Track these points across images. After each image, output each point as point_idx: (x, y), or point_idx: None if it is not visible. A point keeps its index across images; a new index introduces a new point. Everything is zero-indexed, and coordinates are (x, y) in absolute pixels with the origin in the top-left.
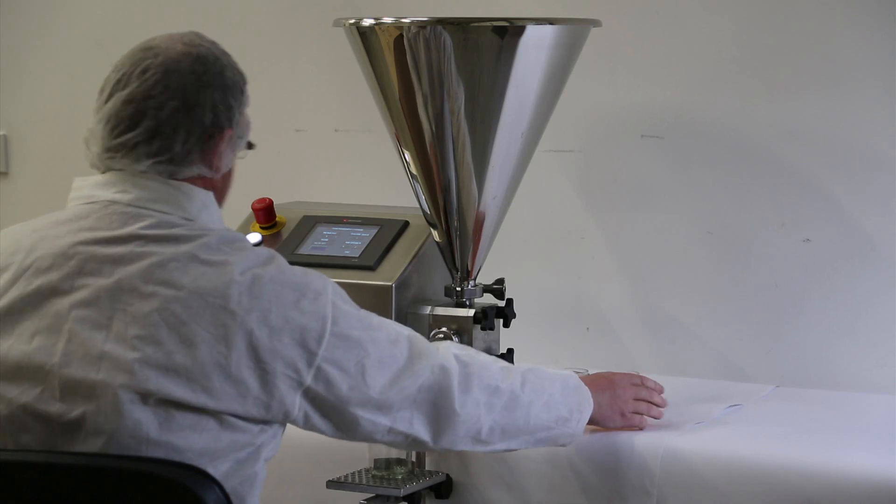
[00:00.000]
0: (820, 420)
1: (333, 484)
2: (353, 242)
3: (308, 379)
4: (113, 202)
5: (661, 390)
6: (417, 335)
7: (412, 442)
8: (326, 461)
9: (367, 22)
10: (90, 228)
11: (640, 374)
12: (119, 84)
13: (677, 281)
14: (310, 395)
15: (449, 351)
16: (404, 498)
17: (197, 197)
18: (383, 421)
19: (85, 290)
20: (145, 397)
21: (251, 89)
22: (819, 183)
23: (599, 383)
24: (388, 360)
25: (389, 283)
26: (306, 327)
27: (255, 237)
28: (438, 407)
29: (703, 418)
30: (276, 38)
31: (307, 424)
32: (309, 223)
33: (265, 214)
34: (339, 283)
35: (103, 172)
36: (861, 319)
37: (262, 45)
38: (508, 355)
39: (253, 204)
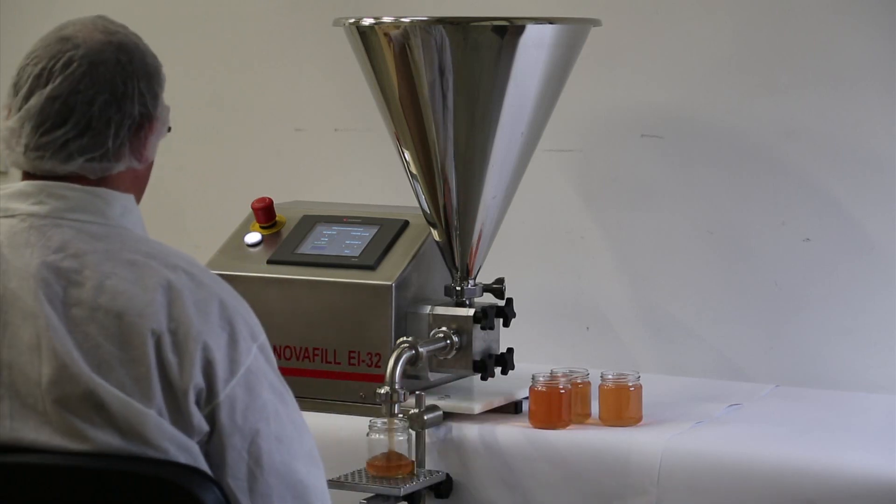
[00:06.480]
0: (820, 419)
1: (333, 484)
2: (353, 242)
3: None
4: (31, 215)
5: None
6: None
7: None
8: (326, 461)
9: (367, 21)
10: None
11: None
12: (40, 79)
13: (677, 281)
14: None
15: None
16: (404, 498)
17: (117, 202)
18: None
19: None
20: None
21: (251, 88)
22: (819, 183)
23: None
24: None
25: (389, 283)
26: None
27: (254, 237)
28: None
29: (704, 418)
30: (276, 38)
31: None
32: (309, 223)
33: (265, 214)
34: (339, 283)
35: (29, 173)
36: (861, 318)
37: (262, 45)
38: (508, 355)
39: (253, 203)
